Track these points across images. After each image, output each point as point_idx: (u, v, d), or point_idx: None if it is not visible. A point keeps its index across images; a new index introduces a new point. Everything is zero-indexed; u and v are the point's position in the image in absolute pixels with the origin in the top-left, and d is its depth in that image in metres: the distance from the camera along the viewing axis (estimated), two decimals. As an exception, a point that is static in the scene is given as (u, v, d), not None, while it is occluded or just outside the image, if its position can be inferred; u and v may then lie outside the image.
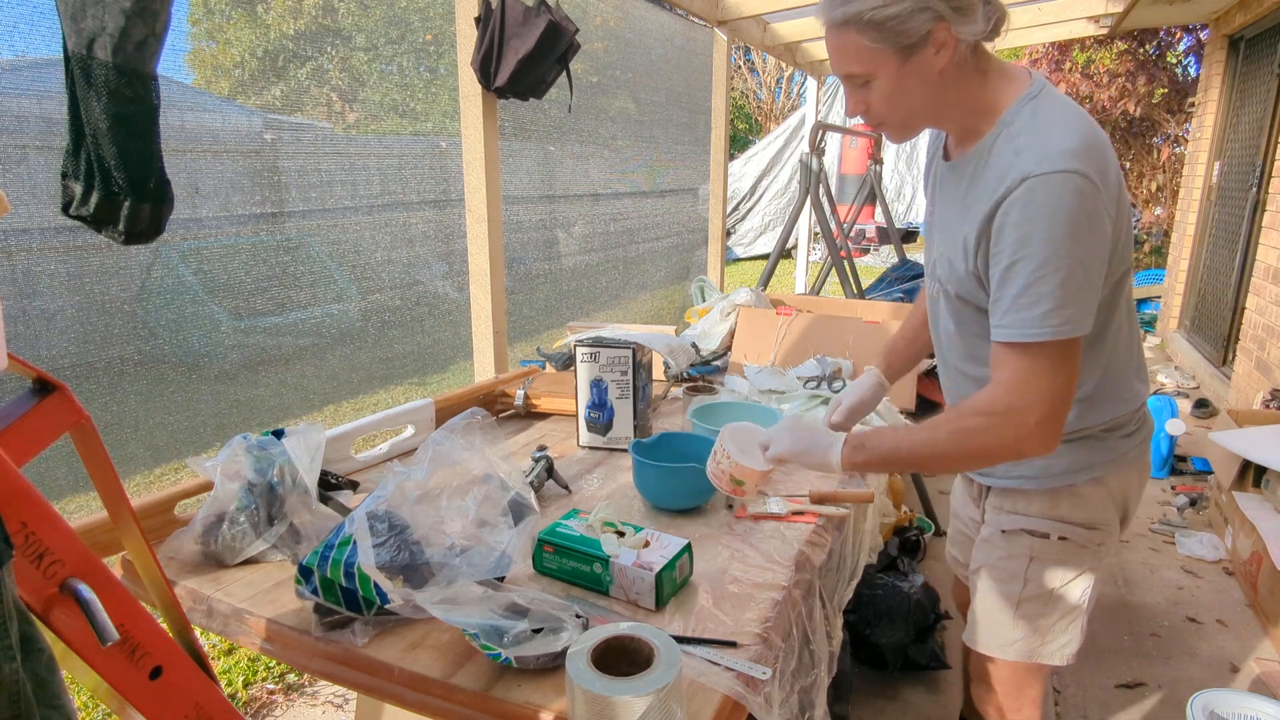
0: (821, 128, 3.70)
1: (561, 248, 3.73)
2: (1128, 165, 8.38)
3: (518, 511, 1.19)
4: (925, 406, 2.47)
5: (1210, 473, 3.40)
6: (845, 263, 3.80)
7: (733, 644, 1.04)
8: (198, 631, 1.05)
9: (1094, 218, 0.99)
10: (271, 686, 2.15)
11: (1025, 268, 1.00)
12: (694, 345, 2.55)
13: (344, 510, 1.32)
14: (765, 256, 9.83)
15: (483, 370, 2.53)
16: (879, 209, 5.25)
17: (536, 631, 0.99)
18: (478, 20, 2.15)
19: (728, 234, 7.13)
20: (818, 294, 4.67)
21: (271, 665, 2.21)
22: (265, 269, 2.40)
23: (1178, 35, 7.77)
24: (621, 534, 1.21)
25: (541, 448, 1.57)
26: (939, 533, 2.89)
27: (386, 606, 1.04)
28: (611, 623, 0.94)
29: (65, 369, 1.91)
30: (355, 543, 1.05)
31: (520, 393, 2.04)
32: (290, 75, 2.57)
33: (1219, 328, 4.93)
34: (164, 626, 0.81)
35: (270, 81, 2.51)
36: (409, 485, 1.15)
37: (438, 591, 1.03)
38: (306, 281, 2.51)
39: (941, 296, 1.25)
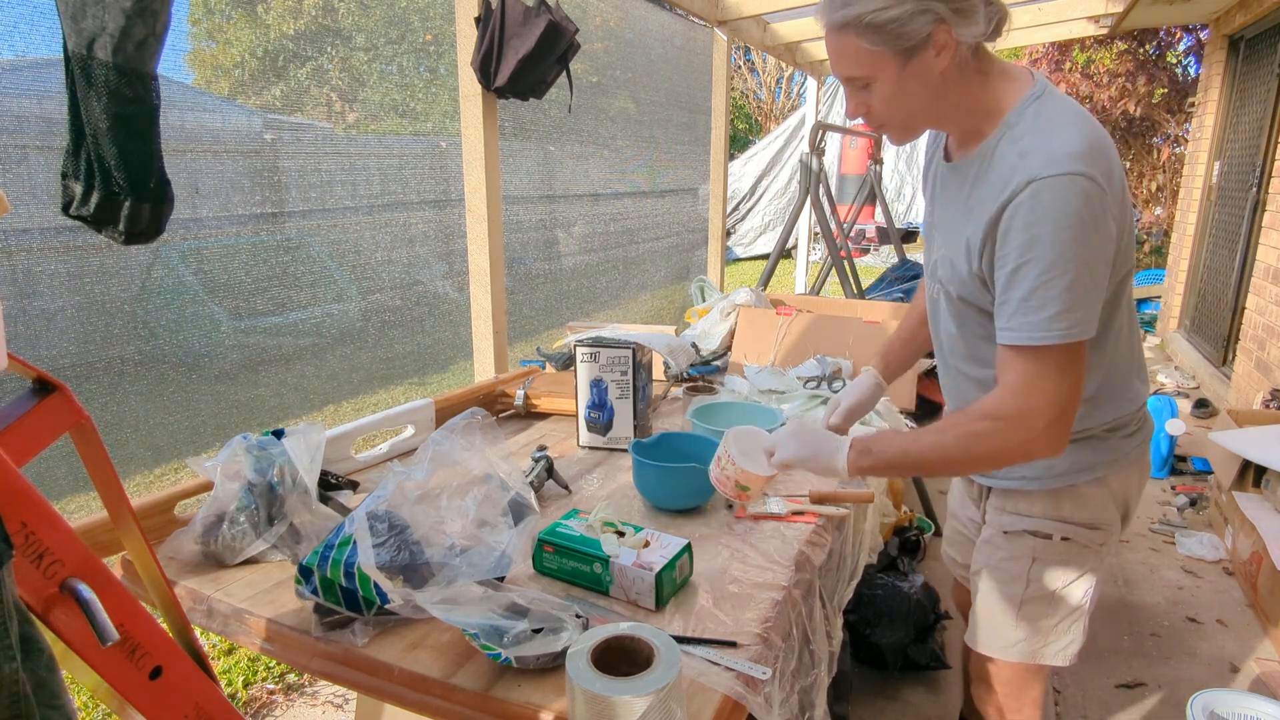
0: (821, 128, 3.70)
1: (561, 248, 3.73)
2: (1128, 165, 8.38)
3: (518, 511, 1.19)
4: (925, 406, 2.47)
5: (1210, 473, 3.40)
6: (845, 263, 3.80)
7: (733, 644, 1.04)
8: (198, 631, 1.05)
9: (1100, 220, 0.99)
10: (271, 686, 2.15)
11: (1032, 271, 1.00)
12: (694, 345, 2.55)
13: (344, 510, 1.32)
14: (765, 256, 9.83)
15: (483, 370, 2.53)
16: (879, 209, 5.25)
17: (536, 631, 0.99)
18: (478, 20, 2.15)
19: (728, 234, 7.13)
20: (818, 294, 4.67)
21: (271, 665, 2.21)
22: (265, 269, 2.40)
23: (1178, 35, 7.77)
24: (621, 534, 1.21)
25: (541, 448, 1.57)
26: (939, 533, 2.89)
27: (386, 606, 1.04)
28: (611, 623, 0.94)
29: (65, 369, 1.91)
30: (355, 543, 1.05)
31: (520, 393, 2.04)
32: (290, 75, 2.57)
33: (1219, 328, 4.94)
34: (164, 626, 0.81)
35: (270, 81, 2.51)
36: (409, 485, 1.15)
37: (438, 591, 1.03)
38: (306, 281, 2.51)
39: (942, 298, 1.24)
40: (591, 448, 1.80)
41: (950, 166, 1.21)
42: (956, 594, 1.69)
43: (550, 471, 1.54)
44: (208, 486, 1.31)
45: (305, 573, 1.06)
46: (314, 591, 1.05)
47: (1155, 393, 4.27)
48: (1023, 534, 1.29)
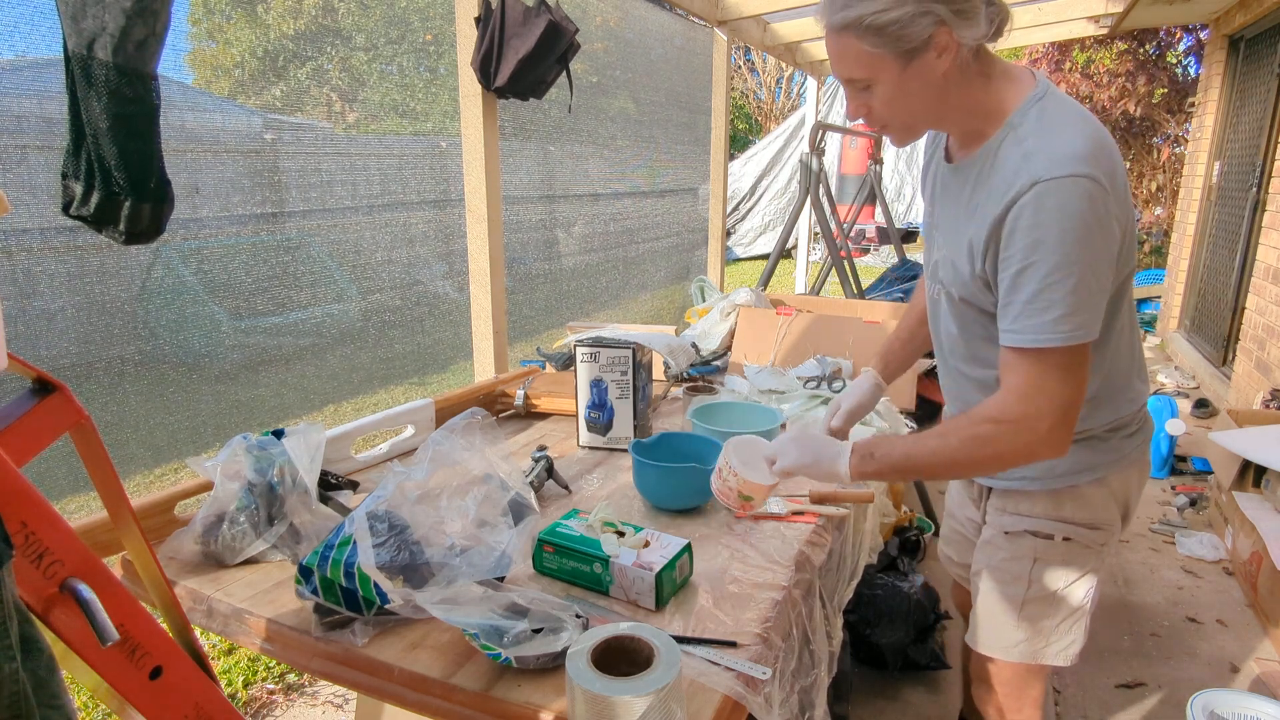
0: (821, 128, 3.70)
1: (561, 248, 3.73)
2: (1128, 165, 8.38)
3: (518, 511, 1.19)
4: (925, 406, 2.46)
5: (1210, 473, 3.40)
6: (845, 263, 3.80)
7: (733, 644, 1.04)
8: (198, 631, 1.05)
9: (1104, 221, 0.99)
10: (271, 686, 2.15)
11: (1037, 273, 1.00)
12: (694, 345, 2.55)
13: (344, 510, 1.32)
14: (765, 256, 9.83)
15: (483, 370, 2.53)
16: (879, 209, 5.25)
17: (536, 631, 0.99)
18: (478, 20, 2.15)
19: (728, 234, 7.13)
20: (818, 294, 4.67)
21: (271, 665, 2.21)
22: (265, 269, 2.40)
23: (1178, 35, 7.77)
24: (621, 534, 1.21)
25: (541, 448, 1.57)
26: (939, 533, 2.89)
27: (386, 606, 1.04)
28: (611, 623, 0.94)
29: (65, 369, 1.91)
30: (355, 543, 1.05)
31: (520, 393, 2.04)
32: (290, 75, 2.57)
33: (1219, 328, 4.94)
34: (164, 626, 0.81)
35: (270, 81, 2.51)
36: (409, 485, 1.15)
37: (438, 591, 1.03)
38: (307, 281, 2.51)
39: (943, 298, 1.24)
40: (591, 448, 1.80)
41: (951, 167, 1.20)
42: (956, 594, 1.69)
43: (550, 471, 1.54)
44: (208, 486, 1.31)
45: (305, 573, 1.06)
46: (314, 591, 1.05)
47: (1155, 393, 4.27)
48: (1024, 534, 1.29)
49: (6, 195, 0.73)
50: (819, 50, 5.36)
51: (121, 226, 0.99)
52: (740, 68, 16.32)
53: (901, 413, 2.16)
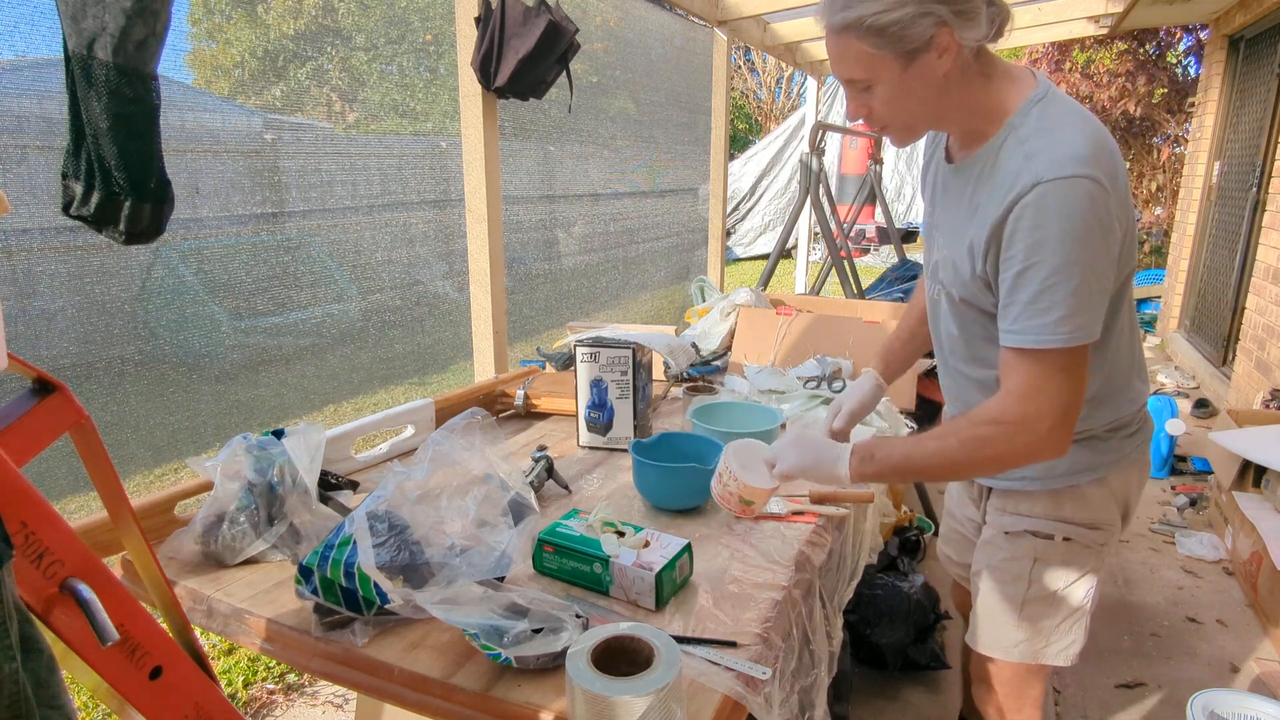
0: (821, 128, 3.70)
1: (561, 248, 3.73)
2: (1128, 165, 8.38)
3: (518, 511, 1.19)
4: (925, 406, 2.46)
5: (1210, 473, 3.40)
6: (845, 263, 3.80)
7: (733, 644, 1.04)
8: (198, 631, 1.05)
9: (1105, 222, 0.99)
10: (271, 686, 2.15)
11: (1038, 274, 1.00)
12: (694, 345, 2.55)
13: (344, 510, 1.32)
14: (765, 256, 9.83)
15: (483, 370, 2.53)
16: (879, 209, 5.25)
17: (536, 631, 0.99)
18: (478, 20, 2.15)
19: (728, 234, 7.13)
20: (818, 294, 4.67)
21: (271, 665, 2.21)
22: (265, 269, 2.40)
23: (1178, 35, 7.77)
24: (621, 534, 1.21)
25: (541, 448, 1.57)
26: (939, 533, 2.89)
27: (386, 606, 1.04)
28: (611, 623, 0.94)
29: (65, 369, 1.91)
30: (355, 543, 1.05)
31: (520, 393, 2.04)
32: (290, 75, 2.57)
33: (1219, 328, 4.94)
34: (164, 626, 0.81)
35: (270, 81, 2.51)
36: (409, 485, 1.15)
37: (438, 591, 1.03)
38: (307, 281, 2.51)
39: (943, 299, 1.24)
40: (591, 448, 1.80)
41: (952, 168, 1.20)
42: (956, 594, 1.69)
43: (550, 471, 1.54)
44: (208, 486, 1.31)
45: (305, 573, 1.06)
46: (314, 591, 1.05)
47: (1155, 393, 4.27)
48: (1024, 534, 1.29)
49: (6, 195, 0.73)
50: (819, 50, 5.36)
51: (122, 226, 0.99)
52: (740, 68, 16.32)
53: (901, 413, 2.16)
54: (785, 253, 4.15)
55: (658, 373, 2.32)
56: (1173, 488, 3.49)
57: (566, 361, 2.44)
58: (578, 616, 1.02)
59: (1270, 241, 3.97)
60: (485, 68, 2.16)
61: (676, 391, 2.27)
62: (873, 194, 5.02)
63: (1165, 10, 5.20)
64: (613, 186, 4.07)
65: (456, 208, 2.94)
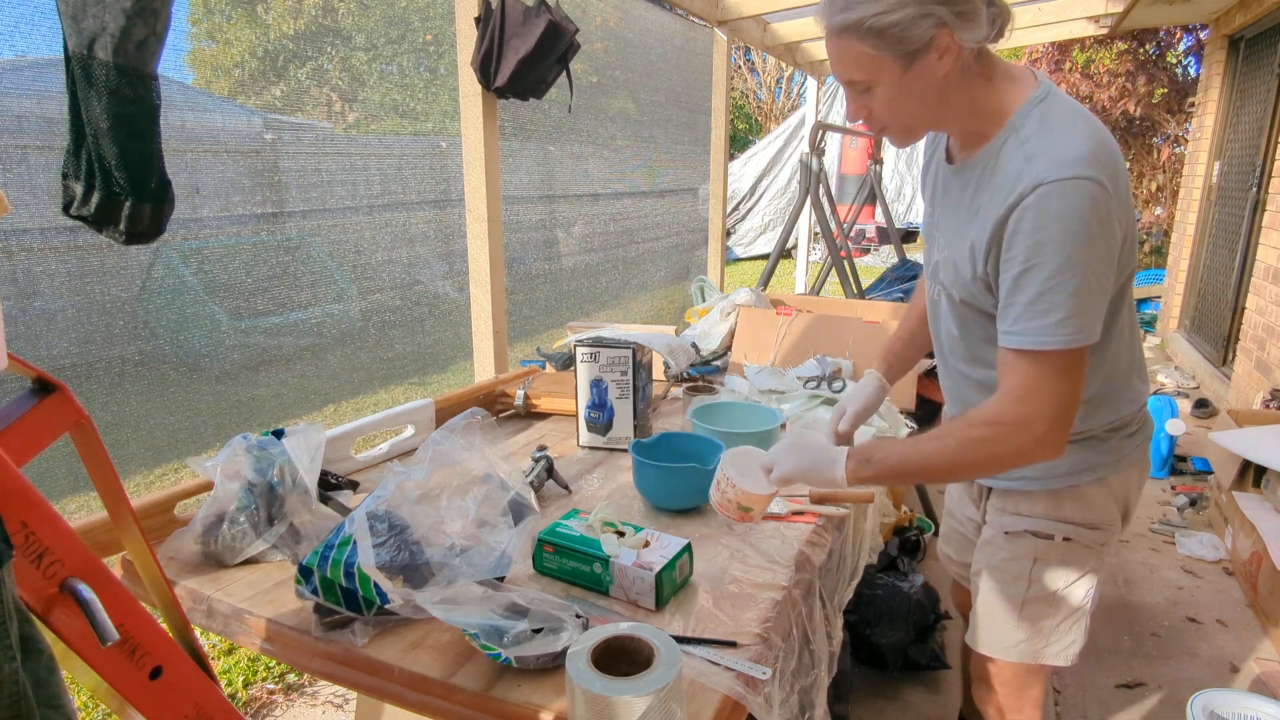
0: (821, 128, 3.70)
1: (561, 248, 3.73)
2: (1128, 165, 8.37)
3: (518, 511, 1.19)
4: (925, 406, 2.46)
5: (1210, 473, 3.40)
6: (845, 263, 3.80)
7: (733, 644, 1.04)
8: (198, 631, 1.05)
9: (1106, 224, 0.99)
10: (271, 686, 2.15)
11: (1038, 275, 0.99)
12: (694, 345, 2.55)
13: (344, 510, 1.32)
14: (765, 256, 9.83)
15: (483, 370, 2.53)
16: (879, 209, 5.25)
17: (536, 631, 0.99)
18: (478, 20, 2.15)
19: (728, 234, 7.13)
20: (818, 294, 4.67)
21: (271, 665, 2.21)
22: (265, 269, 2.40)
23: (1178, 35, 7.77)
24: (621, 534, 1.21)
25: (541, 448, 1.57)
26: (939, 533, 2.89)
27: (386, 606, 1.04)
28: (611, 623, 0.94)
29: (65, 369, 1.91)
30: (355, 543, 1.05)
31: (520, 393, 2.04)
32: (290, 75, 2.57)
33: (1219, 328, 4.94)
34: (164, 626, 0.81)
35: (270, 81, 2.51)
36: (409, 485, 1.15)
37: (438, 591, 1.03)
38: (307, 281, 2.51)
39: (944, 299, 1.24)
40: (591, 448, 1.80)
41: (953, 169, 1.20)
42: (956, 594, 1.69)
43: (550, 471, 1.54)
44: (208, 486, 1.31)
45: (305, 573, 1.06)
46: (314, 591, 1.05)
47: (1155, 393, 4.27)
48: (1024, 534, 1.29)
49: (6, 195, 0.73)
50: (819, 50, 5.36)
51: (122, 226, 0.99)
52: (740, 68, 16.32)
53: (902, 413, 2.16)
54: (785, 253, 4.15)
55: (658, 373, 2.32)
56: (1173, 488, 3.49)
57: (566, 361, 2.44)
58: (578, 616, 1.02)
59: (1270, 241, 3.97)
60: (485, 68, 2.16)
61: (676, 391, 2.27)
62: (873, 194, 5.02)
63: (1165, 10, 5.20)
64: (613, 186, 4.07)
65: (456, 208, 2.94)
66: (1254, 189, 4.53)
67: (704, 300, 3.70)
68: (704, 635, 1.06)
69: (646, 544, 1.18)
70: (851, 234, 6.83)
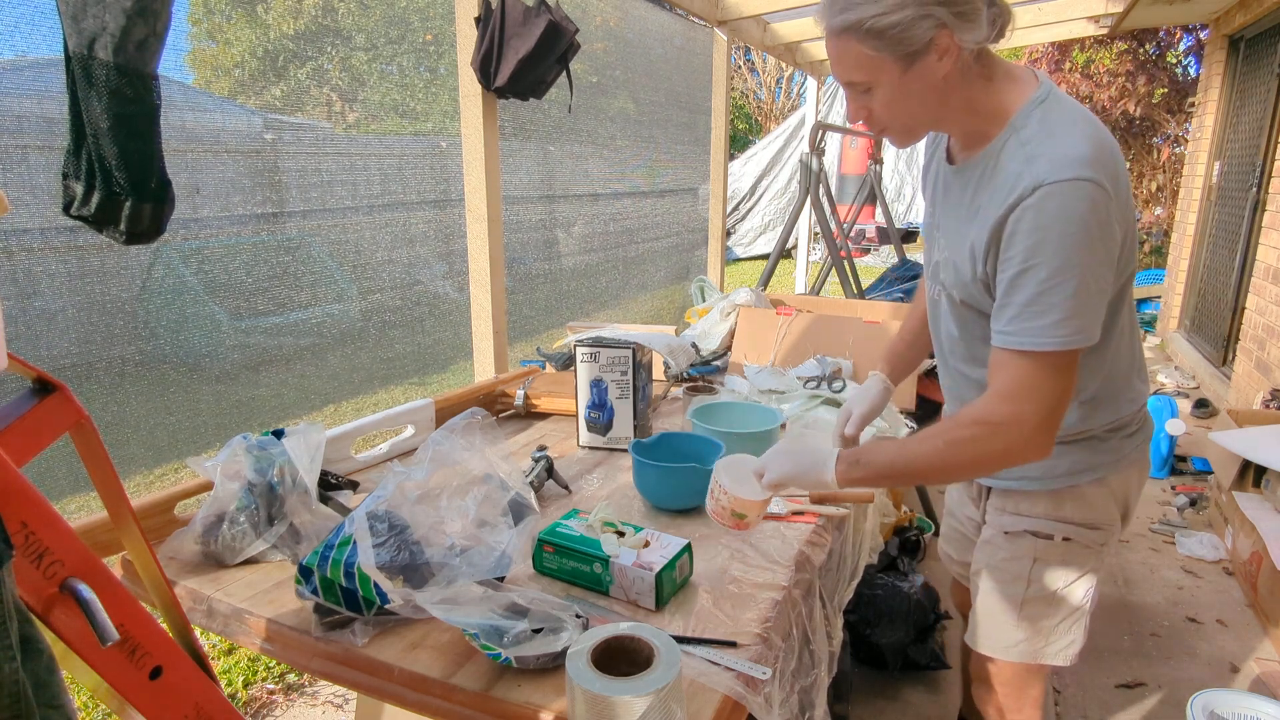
0: (821, 128, 3.70)
1: (561, 248, 3.73)
2: (1128, 165, 8.37)
3: (518, 511, 1.19)
4: (925, 406, 2.46)
5: (1210, 473, 3.40)
6: (845, 263, 3.80)
7: (733, 644, 1.04)
8: (198, 631, 1.06)
9: (1105, 226, 0.99)
10: (271, 686, 2.15)
11: (1035, 276, 0.99)
12: (694, 345, 2.55)
13: (344, 510, 1.32)
14: (765, 256, 9.83)
15: (483, 370, 2.53)
16: (879, 209, 5.25)
17: (536, 631, 0.99)
18: (478, 20, 2.15)
19: (728, 234, 7.13)
20: (818, 294, 4.67)
21: (271, 665, 2.21)
22: (266, 269, 2.40)
23: (1178, 35, 7.77)
24: (621, 534, 1.21)
25: (541, 448, 1.57)
26: (939, 533, 2.89)
27: (386, 606, 1.04)
28: (611, 623, 0.94)
29: (65, 369, 1.91)
30: (355, 543, 1.05)
31: (520, 393, 2.04)
32: (290, 75, 2.57)
33: (1219, 328, 4.94)
34: (164, 626, 0.81)
35: (270, 81, 2.51)
36: (409, 485, 1.15)
37: (438, 591, 1.03)
38: (307, 281, 2.52)
39: (944, 300, 1.24)
40: (591, 448, 1.80)
41: (954, 169, 1.20)
42: (956, 593, 1.69)
43: (550, 471, 1.54)
44: (208, 486, 1.31)
45: (305, 573, 1.06)
46: (314, 591, 1.05)
47: (1155, 393, 4.27)
48: (1024, 534, 1.29)
49: (6, 195, 0.73)
50: (819, 50, 5.36)
51: (122, 226, 0.99)
52: (740, 68, 16.32)
53: (902, 413, 2.16)
54: (785, 253, 4.15)
55: (658, 373, 2.32)
56: (1173, 488, 3.49)
57: (566, 361, 2.44)
58: (578, 616, 1.02)
59: (1270, 241, 3.97)
60: (485, 68, 2.16)
61: (676, 391, 2.27)
62: (873, 194, 5.02)
63: (1165, 10, 5.20)
64: (612, 186, 4.07)
65: (456, 208, 2.94)
66: (1254, 189, 4.53)
67: (704, 300, 3.70)
68: (704, 635, 1.06)
69: (646, 544, 1.18)
70: (851, 234, 6.83)
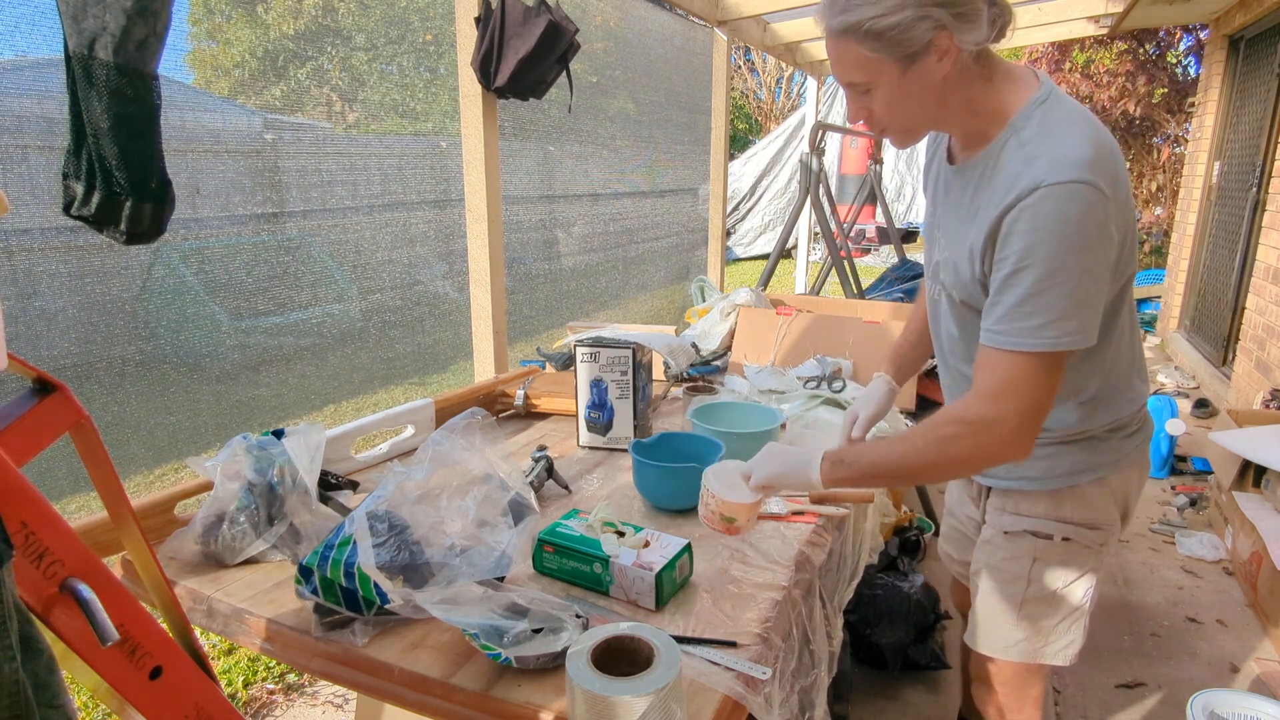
0: (821, 128, 3.70)
1: (561, 248, 3.73)
2: (1128, 165, 8.37)
3: (518, 511, 1.19)
4: (925, 406, 2.47)
5: (1210, 473, 3.40)
6: (845, 263, 3.80)
7: (733, 644, 1.04)
8: (198, 631, 1.06)
9: (1103, 228, 0.99)
10: (271, 686, 2.15)
11: (1028, 277, 0.99)
12: (694, 345, 2.55)
13: (344, 510, 1.32)
14: (765, 256, 9.83)
15: (483, 370, 2.53)
16: (879, 209, 5.25)
17: (536, 631, 0.99)
18: (478, 20, 2.15)
19: (728, 234, 7.13)
20: (818, 294, 4.67)
21: (271, 665, 2.21)
22: (266, 269, 2.40)
23: (1178, 35, 7.77)
24: (621, 534, 1.21)
25: (541, 448, 1.57)
26: (939, 533, 2.89)
27: (386, 606, 1.04)
28: (611, 623, 0.94)
29: (65, 369, 1.91)
30: (355, 543, 1.05)
31: (520, 393, 2.04)
32: (290, 75, 2.57)
33: (1219, 328, 4.94)
34: (164, 626, 0.81)
35: (270, 81, 2.51)
36: (409, 485, 1.15)
37: (438, 591, 1.03)
38: (307, 281, 2.52)
39: (944, 300, 1.24)
40: (591, 448, 1.80)
41: (954, 169, 1.20)
42: (956, 593, 1.69)
43: (550, 471, 1.54)
44: (208, 486, 1.31)
45: (305, 573, 1.06)
46: (314, 591, 1.05)
47: (1155, 393, 4.27)
48: (1023, 534, 1.29)
49: (6, 195, 0.73)
50: (819, 50, 5.36)
51: (122, 227, 0.99)
52: (740, 68, 16.32)
53: (902, 413, 2.16)
54: (785, 253, 4.15)
55: (658, 373, 2.32)
56: (1173, 488, 3.49)
57: (566, 361, 2.44)
58: (578, 616, 1.02)
59: (1270, 241, 3.97)
60: (485, 68, 2.16)
61: (676, 391, 2.27)
62: (873, 194, 5.02)
63: (1165, 10, 5.20)
64: (612, 186, 4.07)
65: (456, 208, 2.94)
66: (1254, 189, 4.53)
67: (704, 300, 3.70)
68: (704, 635, 1.06)
69: (646, 544, 1.18)
70: (851, 234, 6.83)
